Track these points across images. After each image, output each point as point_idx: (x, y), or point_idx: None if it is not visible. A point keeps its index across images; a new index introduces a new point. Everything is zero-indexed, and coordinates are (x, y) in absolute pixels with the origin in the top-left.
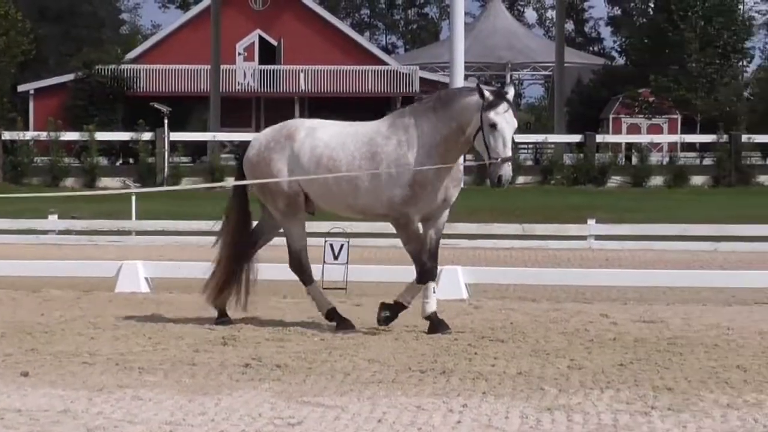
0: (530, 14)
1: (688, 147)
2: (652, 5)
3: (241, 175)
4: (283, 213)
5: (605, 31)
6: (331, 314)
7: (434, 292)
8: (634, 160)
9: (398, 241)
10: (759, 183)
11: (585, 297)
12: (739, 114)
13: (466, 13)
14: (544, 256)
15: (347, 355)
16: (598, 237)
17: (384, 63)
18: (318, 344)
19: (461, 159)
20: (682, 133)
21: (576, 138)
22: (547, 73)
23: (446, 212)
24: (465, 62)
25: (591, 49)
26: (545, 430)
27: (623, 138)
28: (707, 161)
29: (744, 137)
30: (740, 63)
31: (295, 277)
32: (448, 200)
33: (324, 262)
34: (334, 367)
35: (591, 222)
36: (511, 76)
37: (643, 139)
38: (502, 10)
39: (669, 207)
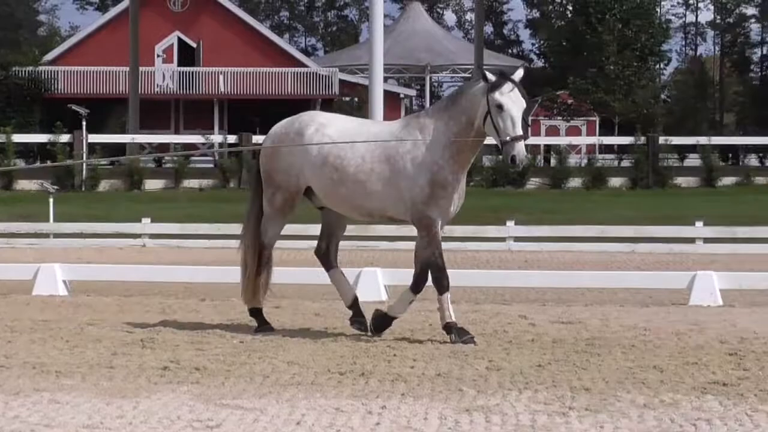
0: (449, 16)
1: (607, 149)
2: (571, 8)
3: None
4: (276, 209)
5: (524, 34)
6: (255, 313)
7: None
8: (553, 162)
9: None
10: (676, 184)
11: (504, 298)
12: (657, 116)
13: (385, 16)
14: (463, 257)
15: (266, 357)
16: (517, 238)
17: (303, 65)
18: (237, 347)
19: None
20: (600, 135)
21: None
22: (466, 75)
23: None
24: (384, 64)
25: (510, 51)
26: (464, 431)
27: (542, 140)
28: (625, 163)
29: (661, 139)
30: (657, 65)
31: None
32: (455, 210)
33: None
34: (253, 369)
35: (510, 224)
36: (430, 78)
37: (562, 141)
38: (421, 12)
39: (587, 208)
